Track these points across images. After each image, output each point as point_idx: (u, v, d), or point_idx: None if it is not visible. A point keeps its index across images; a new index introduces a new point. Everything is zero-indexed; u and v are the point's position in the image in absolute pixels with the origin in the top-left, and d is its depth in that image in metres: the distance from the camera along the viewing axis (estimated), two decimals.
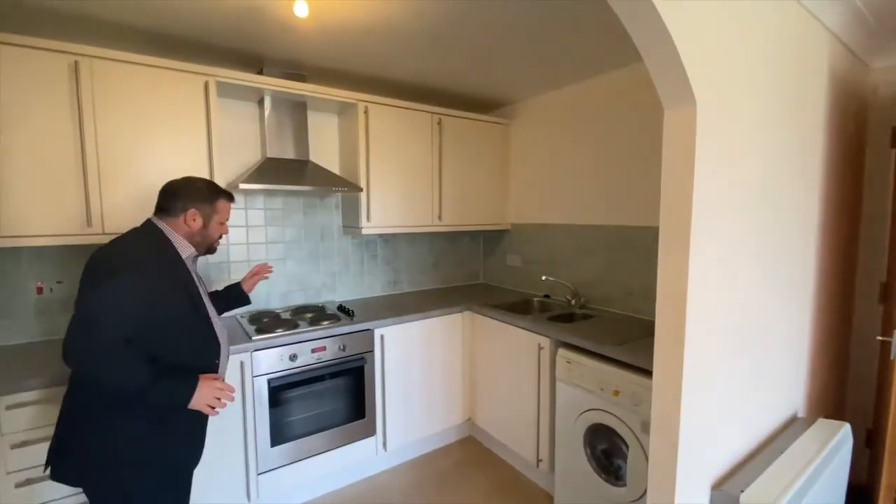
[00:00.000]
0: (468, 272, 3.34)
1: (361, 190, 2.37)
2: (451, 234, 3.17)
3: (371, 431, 2.24)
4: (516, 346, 2.23)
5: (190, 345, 1.29)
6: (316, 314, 2.28)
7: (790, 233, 1.59)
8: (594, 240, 2.50)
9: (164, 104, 1.80)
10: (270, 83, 2.07)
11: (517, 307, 2.58)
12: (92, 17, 1.67)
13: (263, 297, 2.43)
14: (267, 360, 1.90)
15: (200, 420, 1.35)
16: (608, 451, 1.85)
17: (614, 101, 2.34)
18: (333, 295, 2.71)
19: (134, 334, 1.15)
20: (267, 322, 2.09)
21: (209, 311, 1.38)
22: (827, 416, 1.83)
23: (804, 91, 1.58)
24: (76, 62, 1.61)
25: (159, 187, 1.37)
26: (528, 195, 2.94)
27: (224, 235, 1.47)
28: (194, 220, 1.35)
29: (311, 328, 2.05)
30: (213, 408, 1.25)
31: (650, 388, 1.28)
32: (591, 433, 1.86)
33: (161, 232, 1.31)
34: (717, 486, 1.31)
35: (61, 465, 1.18)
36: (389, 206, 2.52)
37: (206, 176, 1.89)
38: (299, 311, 2.38)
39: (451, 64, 2.23)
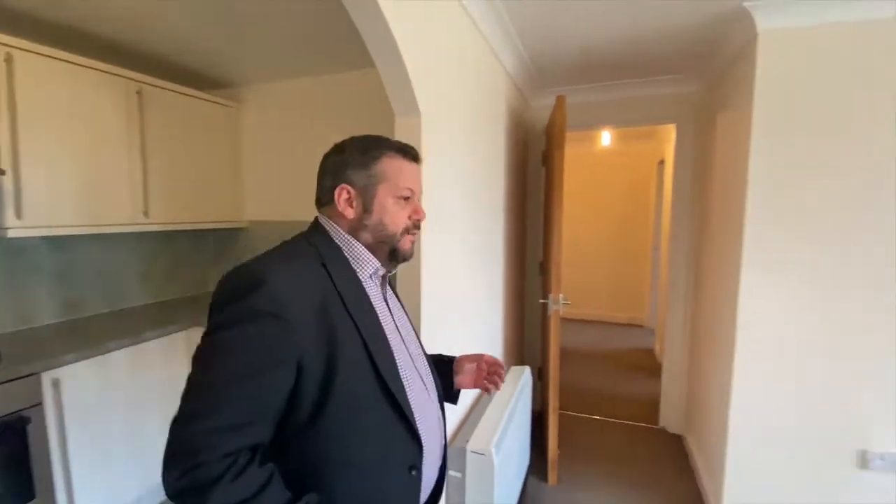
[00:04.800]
0: (193, 280, 2.78)
1: (3, 173, 1.61)
2: (167, 234, 2.57)
3: None
4: None
5: (369, 443, 0.70)
6: None
7: (489, 225, 2.02)
8: None
9: None
10: None
11: None
12: None
13: None
14: None
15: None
16: None
17: (353, 100, 2.40)
18: None
19: (268, 430, 0.64)
20: None
21: (410, 377, 0.76)
22: (514, 364, 2.44)
23: (496, 117, 2.03)
24: None
25: None
26: (269, 190, 2.69)
27: (419, 222, 0.80)
28: (350, 204, 0.76)
29: None
30: None
31: None
32: None
33: (324, 238, 0.77)
34: (450, 444, 1.54)
35: None
36: (60, 197, 1.81)
37: None
38: None
39: (159, 18, 1.78)
